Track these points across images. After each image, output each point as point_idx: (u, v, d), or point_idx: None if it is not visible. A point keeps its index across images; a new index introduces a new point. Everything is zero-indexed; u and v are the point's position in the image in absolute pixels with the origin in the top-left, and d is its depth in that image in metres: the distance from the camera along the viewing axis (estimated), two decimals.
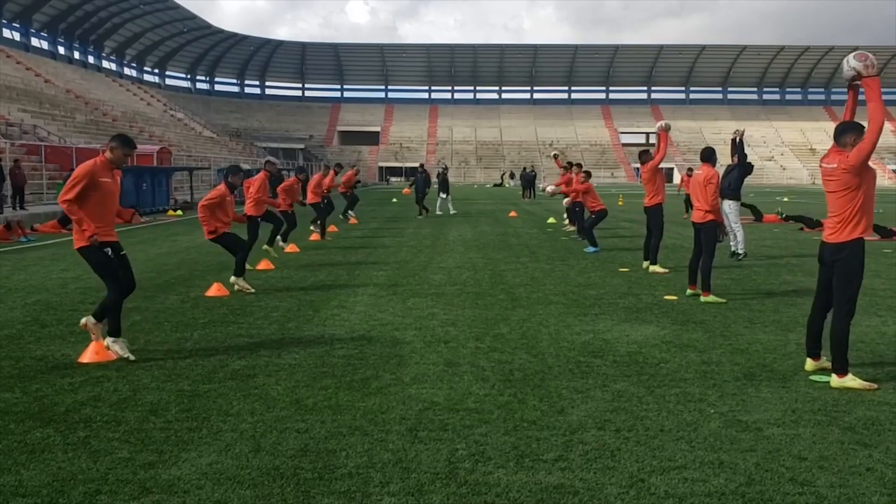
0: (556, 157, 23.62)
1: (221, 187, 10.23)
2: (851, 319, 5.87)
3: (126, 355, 6.48)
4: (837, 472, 4.18)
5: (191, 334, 7.57)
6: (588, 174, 16.95)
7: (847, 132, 5.89)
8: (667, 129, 12.04)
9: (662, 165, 12.68)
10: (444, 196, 28.49)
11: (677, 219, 13.30)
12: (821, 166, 6.14)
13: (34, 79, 56.40)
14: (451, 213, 28.11)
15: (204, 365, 6.36)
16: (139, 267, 12.70)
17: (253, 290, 10.23)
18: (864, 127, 5.91)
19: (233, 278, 10.32)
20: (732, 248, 14.04)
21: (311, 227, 18.96)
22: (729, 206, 13.81)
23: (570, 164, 21.37)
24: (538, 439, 4.64)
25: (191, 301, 9.47)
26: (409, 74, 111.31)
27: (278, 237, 14.85)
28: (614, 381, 5.90)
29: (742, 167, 14.21)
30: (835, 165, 5.90)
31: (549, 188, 18.80)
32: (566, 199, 18.17)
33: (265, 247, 13.18)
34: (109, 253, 6.60)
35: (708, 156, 9.94)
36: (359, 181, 27.88)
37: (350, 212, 24.33)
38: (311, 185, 18.68)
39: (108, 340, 6.57)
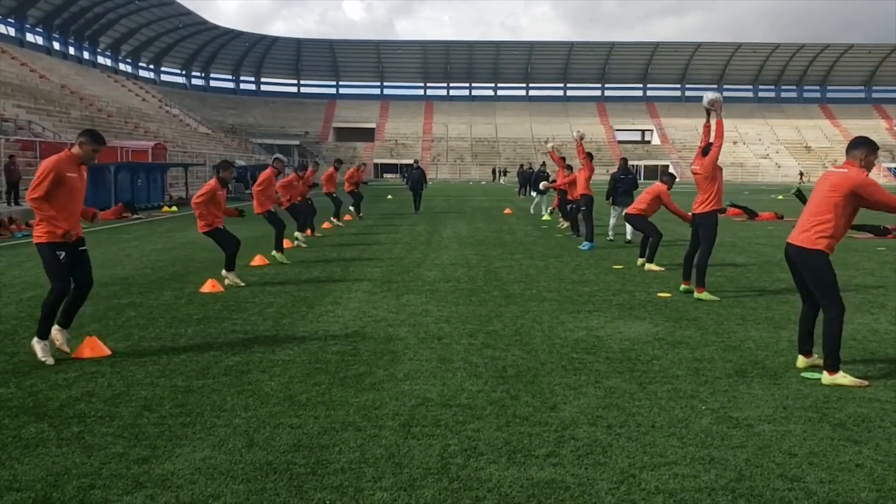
0: (553, 149, 22.64)
1: (212, 182, 10.41)
2: (843, 316, 5.89)
3: (45, 359, 6.21)
4: (827, 468, 4.21)
5: (185, 330, 7.58)
6: (590, 156, 16.66)
7: (863, 146, 5.96)
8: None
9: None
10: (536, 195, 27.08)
11: (668, 216, 13.31)
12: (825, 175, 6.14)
13: (29, 74, 56.26)
14: (542, 216, 25.26)
15: (198, 361, 6.37)
16: (134, 263, 12.74)
17: (244, 284, 10.34)
18: (872, 144, 5.97)
19: (224, 272, 10.43)
20: (627, 238, 16.20)
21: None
22: (623, 210, 15.53)
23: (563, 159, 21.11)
24: (530, 435, 4.66)
25: (185, 297, 9.47)
26: (404, 71, 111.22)
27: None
28: (607, 378, 5.93)
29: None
30: (846, 171, 5.93)
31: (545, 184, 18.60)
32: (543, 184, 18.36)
33: (273, 252, 13.10)
34: (62, 257, 6.30)
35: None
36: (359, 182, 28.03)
37: (347, 209, 24.45)
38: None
39: (34, 340, 6.33)
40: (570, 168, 18.37)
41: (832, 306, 5.87)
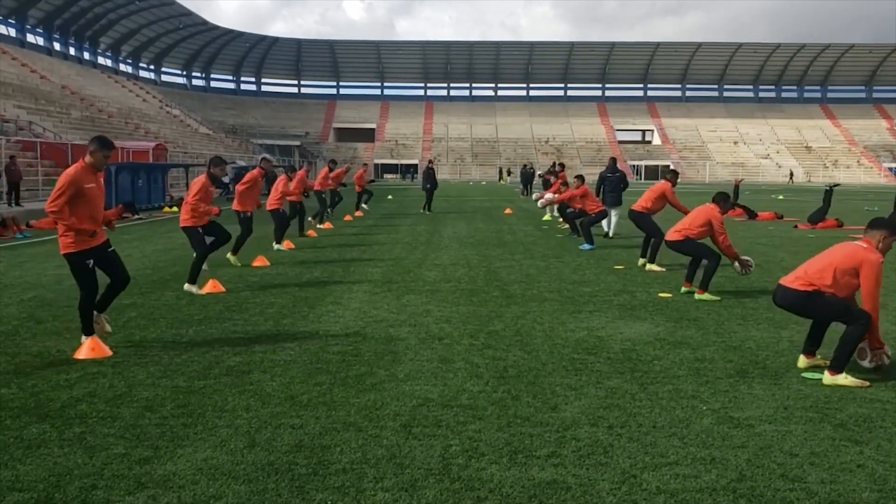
0: (559, 170, 22.51)
1: (203, 178, 10.18)
2: (869, 323, 5.88)
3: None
4: (828, 468, 4.22)
5: (186, 331, 7.59)
6: (581, 178, 16.89)
7: (878, 228, 6.00)
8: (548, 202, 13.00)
9: (657, 163, 12.85)
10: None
11: (678, 217, 13.33)
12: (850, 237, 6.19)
13: (30, 75, 56.28)
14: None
15: (199, 361, 6.38)
16: (135, 263, 12.73)
17: (201, 293, 9.69)
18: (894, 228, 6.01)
19: (186, 286, 9.84)
20: (609, 233, 17.27)
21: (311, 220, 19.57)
22: (617, 212, 17.43)
23: (559, 164, 21.25)
24: (531, 436, 4.67)
25: (186, 297, 9.47)
26: (404, 71, 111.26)
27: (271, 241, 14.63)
28: (608, 378, 5.93)
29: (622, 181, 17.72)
30: (863, 246, 5.97)
31: (546, 198, 18.45)
32: (544, 199, 18.43)
33: (228, 255, 12.73)
34: (90, 264, 6.71)
35: (722, 200, 9.91)
36: (372, 180, 28.12)
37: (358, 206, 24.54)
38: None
39: (83, 337, 6.72)
40: (565, 184, 18.44)
41: (857, 320, 5.87)
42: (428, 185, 27.36)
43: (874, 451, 4.47)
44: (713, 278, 9.72)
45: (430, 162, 29.05)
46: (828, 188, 22.59)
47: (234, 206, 12.69)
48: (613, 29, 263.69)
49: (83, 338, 6.71)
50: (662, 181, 12.93)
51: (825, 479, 4.06)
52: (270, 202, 14.74)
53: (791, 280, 6.19)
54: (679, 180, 16.10)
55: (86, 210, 6.59)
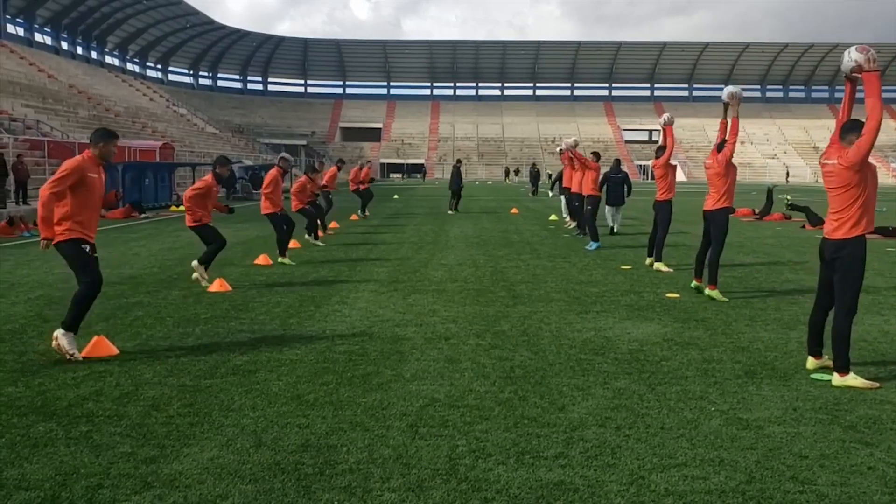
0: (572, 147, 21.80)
1: (209, 178, 10.49)
2: (853, 318, 5.87)
3: (73, 353, 6.25)
4: (838, 470, 4.18)
5: (193, 329, 7.58)
6: (597, 155, 16.86)
7: (854, 130, 5.89)
8: (670, 122, 11.90)
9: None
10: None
11: (683, 217, 13.27)
12: (821, 164, 6.14)
13: (37, 74, 56.43)
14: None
15: (206, 360, 6.37)
16: (142, 262, 12.76)
17: (207, 282, 10.15)
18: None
19: (196, 262, 10.37)
20: (613, 229, 18.26)
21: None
22: (619, 209, 18.68)
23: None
24: (539, 436, 4.64)
25: (193, 296, 9.48)
26: (411, 71, 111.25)
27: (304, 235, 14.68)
28: (615, 379, 5.90)
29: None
30: (834, 162, 5.91)
31: (566, 142, 17.83)
32: (564, 144, 18.28)
33: (280, 259, 12.85)
34: (87, 249, 6.48)
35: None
36: (373, 178, 28.09)
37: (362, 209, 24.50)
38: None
39: (60, 332, 6.34)
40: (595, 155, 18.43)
41: (846, 305, 5.82)
42: (458, 186, 27.45)
43: (885, 454, 4.43)
44: (720, 274, 9.63)
45: (458, 162, 29.00)
46: (790, 206, 22.91)
47: (263, 209, 12.90)
48: (620, 28, 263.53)
49: (62, 332, 6.31)
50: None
51: (835, 482, 4.03)
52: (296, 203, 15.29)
53: (838, 232, 5.95)
54: (686, 179, 16.00)
55: (85, 201, 6.48)
